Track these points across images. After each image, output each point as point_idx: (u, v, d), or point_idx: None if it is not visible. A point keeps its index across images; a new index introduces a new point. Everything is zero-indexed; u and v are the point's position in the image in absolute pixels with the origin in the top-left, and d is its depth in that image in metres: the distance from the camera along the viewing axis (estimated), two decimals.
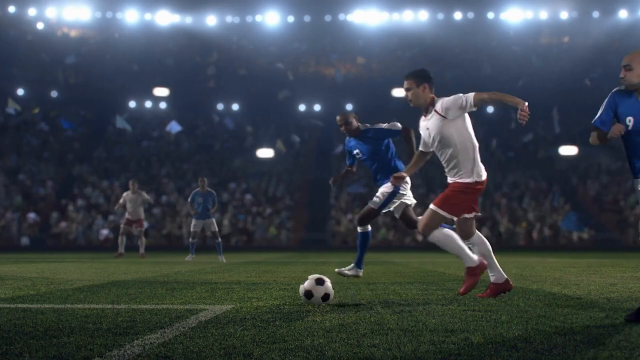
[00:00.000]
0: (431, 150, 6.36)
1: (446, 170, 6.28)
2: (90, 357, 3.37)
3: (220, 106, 49.96)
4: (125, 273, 10.88)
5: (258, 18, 52.62)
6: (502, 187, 41.12)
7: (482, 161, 6.24)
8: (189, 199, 17.71)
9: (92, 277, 9.88)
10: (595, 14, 52.32)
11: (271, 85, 48.94)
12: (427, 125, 6.24)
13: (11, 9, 51.37)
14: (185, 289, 7.43)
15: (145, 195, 20.04)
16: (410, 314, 5.06)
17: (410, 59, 50.51)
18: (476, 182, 6.15)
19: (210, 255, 20.28)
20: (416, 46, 51.65)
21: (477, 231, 6.41)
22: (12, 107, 43.24)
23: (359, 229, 8.63)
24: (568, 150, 43.75)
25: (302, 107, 50.32)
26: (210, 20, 52.37)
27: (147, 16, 52.07)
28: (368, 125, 8.84)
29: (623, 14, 51.59)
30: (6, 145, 43.37)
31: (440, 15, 52.63)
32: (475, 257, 6.21)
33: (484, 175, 6.22)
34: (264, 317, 4.88)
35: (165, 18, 52.34)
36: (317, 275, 5.90)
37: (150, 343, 3.75)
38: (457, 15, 52.64)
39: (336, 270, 8.63)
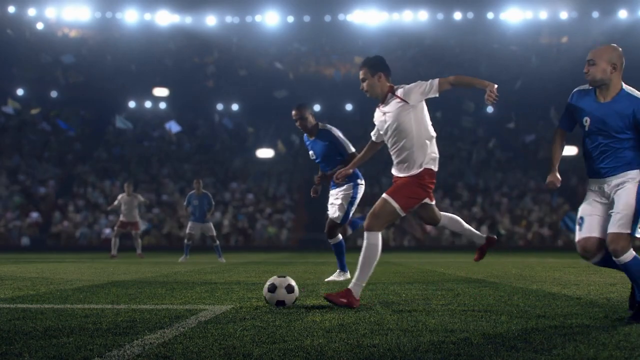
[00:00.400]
0: (382, 140, 5.99)
1: (395, 162, 5.88)
2: (90, 357, 3.36)
3: (220, 106, 49.90)
4: (125, 273, 10.88)
5: (258, 18, 52.57)
6: (502, 187, 41.11)
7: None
8: (184, 202, 17.67)
9: (92, 277, 9.88)
10: (595, 14, 52.26)
11: (271, 86, 48.90)
12: (384, 110, 5.88)
13: (11, 9, 51.35)
14: (185, 289, 7.42)
15: (141, 198, 20.02)
16: (410, 314, 5.06)
17: (410, 59, 50.49)
18: (429, 169, 5.75)
19: (210, 256, 20.27)
20: (416, 46, 51.63)
21: (442, 213, 6.19)
22: (10, 107, 43.16)
23: (330, 242, 8.70)
24: (568, 150, 43.52)
25: None
26: (210, 20, 52.33)
27: (147, 16, 52.02)
28: (329, 127, 8.70)
29: (623, 14, 51.52)
30: (6, 145, 43.35)
31: (440, 16, 52.59)
32: (360, 293, 5.57)
33: (436, 168, 5.83)
34: (264, 317, 4.88)
35: (165, 18, 52.30)
36: (267, 285, 5.65)
37: (150, 343, 3.75)
38: (457, 16, 52.60)
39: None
